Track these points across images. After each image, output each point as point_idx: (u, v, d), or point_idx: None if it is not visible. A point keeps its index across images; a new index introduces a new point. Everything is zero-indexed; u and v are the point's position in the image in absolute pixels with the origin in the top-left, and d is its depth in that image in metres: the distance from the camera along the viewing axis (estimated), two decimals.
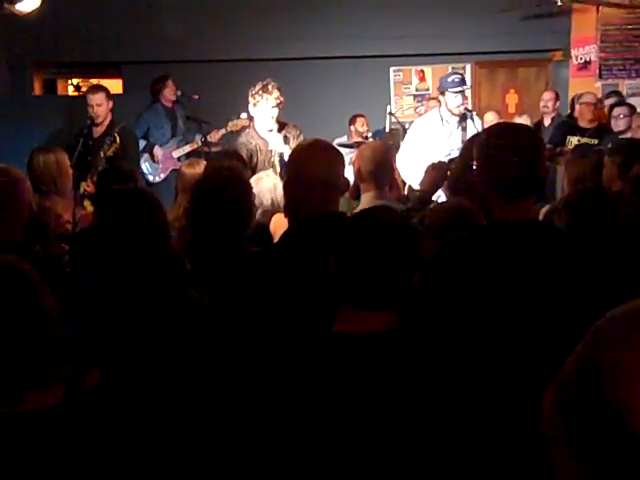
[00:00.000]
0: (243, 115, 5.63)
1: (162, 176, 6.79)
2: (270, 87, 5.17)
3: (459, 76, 5.52)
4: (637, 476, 0.79)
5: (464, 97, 5.47)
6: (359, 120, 8.23)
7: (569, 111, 7.98)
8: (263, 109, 5.15)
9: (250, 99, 5.19)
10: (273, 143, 5.15)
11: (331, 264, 1.77)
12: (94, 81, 9.35)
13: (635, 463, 0.79)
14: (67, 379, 1.60)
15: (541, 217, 4.07)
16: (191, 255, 2.75)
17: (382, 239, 1.72)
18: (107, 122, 6.02)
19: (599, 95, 7.89)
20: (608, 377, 0.81)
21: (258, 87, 5.17)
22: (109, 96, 6.11)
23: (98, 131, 5.97)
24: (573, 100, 7.89)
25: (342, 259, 1.75)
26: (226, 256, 2.76)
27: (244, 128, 5.45)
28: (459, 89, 5.35)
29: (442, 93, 5.45)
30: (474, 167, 2.33)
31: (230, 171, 3.08)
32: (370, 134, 8.11)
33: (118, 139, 5.75)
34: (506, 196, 2.21)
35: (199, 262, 2.64)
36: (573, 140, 6.83)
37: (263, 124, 5.20)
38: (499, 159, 2.21)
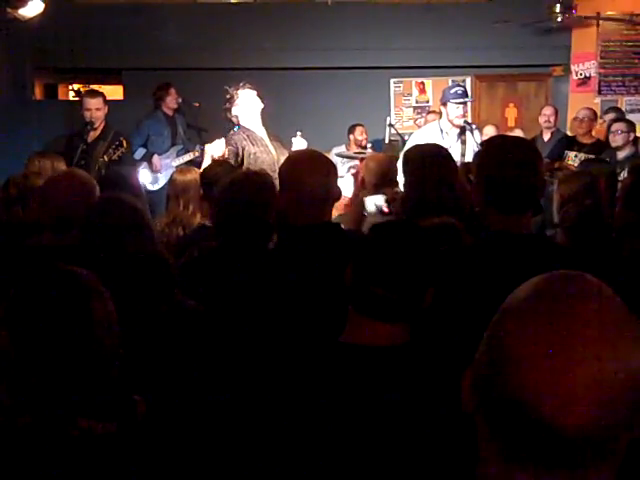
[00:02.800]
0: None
1: (161, 184, 6.79)
2: (241, 84, 5.22)
3: (462, 88, 5.56)
4: (531, 443, 0.87)
5: (465, 109, 5.49)
6: (358, 129, 8.29)
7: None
8: (246, 102, 5.18)
9: (227, 104, 5.20)
10: (297, 146, 5.24)
11: (348, 273, 1.75)
12: (95, 87, 9.36)
13: (522, 426, 0.87)
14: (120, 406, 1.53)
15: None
16: (217, 263, 2.74)
17: (404, 252, 1.71)
18: (101, 127, 6.05)
19: (598, 111, 7.92)
20: (502, 357, 0.89)
21: (230, 90, 5.21)
22: (105, 101, 6.16)
23: (92, 136, 5.97)
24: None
25: (361, 268, 1.74)
26: (260, 263, 2.72)
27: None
28: (461, 100, 5.37)
29: (444, 104, 5.47)
30: (472, 179, 2.35)
31: (259, 176, 3.03)
32: (370, 145, 8.14)
33: (125, 143, 5.78)
34: (503, 209, 2.22)
35: (233, 268, 2.63)
36: (571, 155, 6.85)
37: (250, 118, 5.19)
38: (496, 171, 2.22)
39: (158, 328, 2.23)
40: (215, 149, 5.07)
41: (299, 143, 5.31)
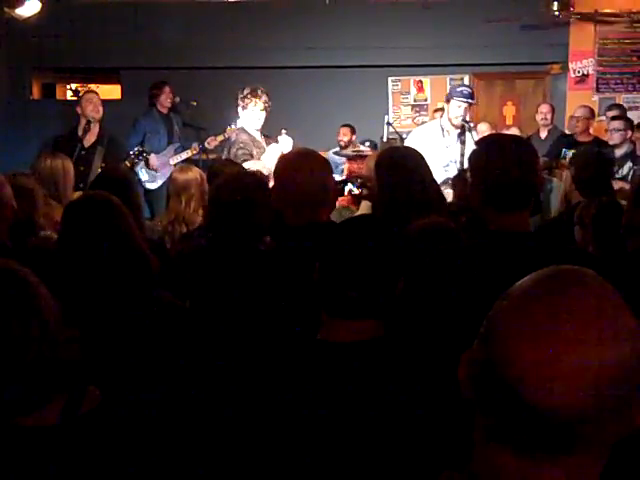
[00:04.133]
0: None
1: (159, 182, 6.77)
2: (259, 92, 5.44)
3: (469, 89, 5.56)
4: (515, 425, 0.89)
5: (466, 111, 5.47)
6: (341, 130, 8.50)
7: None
8: (252, 112, 5.42)
9: (239, 102, 5.47)
10: (283, 144, 5.43)
11: (315, 272, 1.75)
12: (92, 86, 9.37)
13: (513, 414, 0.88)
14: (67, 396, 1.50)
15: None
16: (207, 259, 2.74)
17: (366, 248, 1.70)
18: (97, 131, 6.05)
19: (596, 109, 7.92)
20: (494, 339, 0.92)
21: (247, 91, 5.45)
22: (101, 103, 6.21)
23: (89, 140, 5.97)
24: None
25: (326, 267, 1.74)
26: (245, 260, 2.72)
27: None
28: (465, 100, 5.36)
29: (447, 100, 5.46)
30: (468, 178, 2.35)
31: (251, 176, 3.04)
32: (367, 143, 8.14)
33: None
34: (499, 207, 2.22)
35: (218, 266, 2.63)
36: (569, 154, 6.85)
37: (251, 125, 5.44)
38: (491, 170, 2.22)
39: (134, 326, 2.22)
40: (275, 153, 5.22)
41: (285, 141, 5.40)
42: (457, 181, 4.33)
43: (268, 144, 5.45)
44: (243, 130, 5.46)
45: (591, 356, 0.86)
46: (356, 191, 3.52)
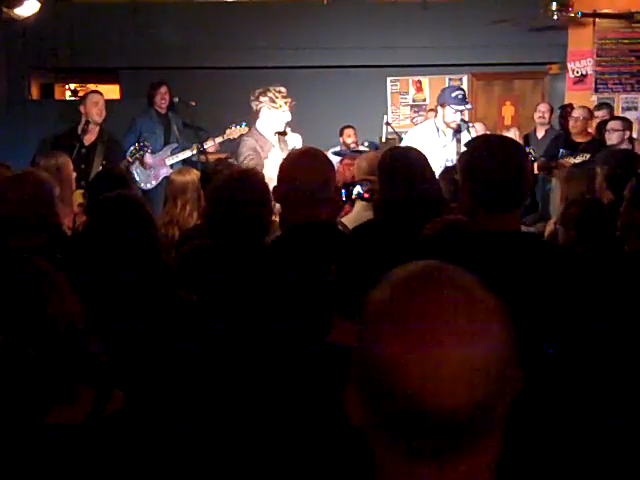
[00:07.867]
0: (244, 124, 5.69)
1: (154, 183, 6.73)
2: (285, 95, 5.16)
3: (462, 92, 5.41)
4: (411, 431, 0.90)
5: (462, 113, 5.42)
6: (346, 131, 8.36)
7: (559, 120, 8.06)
8: (282, 114, 5.13)
9: (267, 101, 5.10)
10: (292, 141, 5.24)
11: (332, 273, 1.75)
12: (91, 86, 9.36)
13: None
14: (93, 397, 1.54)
15: (547, 234, 4.13)
16: (208, 260, 2.75)
17: (384, 253, 1.70)
18: (97, 129, 6.05)
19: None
20: (370, 344, 0.94)
21: (280, 93, 5.13)
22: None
23: (89, 139, 5.97)
24: (562, 109, 8.00)
25: (342, 270, 1.74)
26: (250, 261, 2.73)
27: (242, 136, 5.42)
28: (461, 108, 5.30)
29: (442, 105, 5.41)
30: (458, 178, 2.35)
31: (251, 175, 3.05)
32: (367, 143, 8.14)
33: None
34: (488, 207, 2.22)
35: (219, 268, 2.64)
36: (566, 154, 6.85)
37: (275, 127, 5.16)
38: (480, 171, 2.23)
39: (159, 323, 2.23)
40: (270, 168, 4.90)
41: (293, 138, 5.29)
42: (442, 179, 4.29)
43: (281, 141, 5.23)
44: (252, 134, 5.13)
45: (470, 352, 0.88)
46: (365, 194, 3.52)
